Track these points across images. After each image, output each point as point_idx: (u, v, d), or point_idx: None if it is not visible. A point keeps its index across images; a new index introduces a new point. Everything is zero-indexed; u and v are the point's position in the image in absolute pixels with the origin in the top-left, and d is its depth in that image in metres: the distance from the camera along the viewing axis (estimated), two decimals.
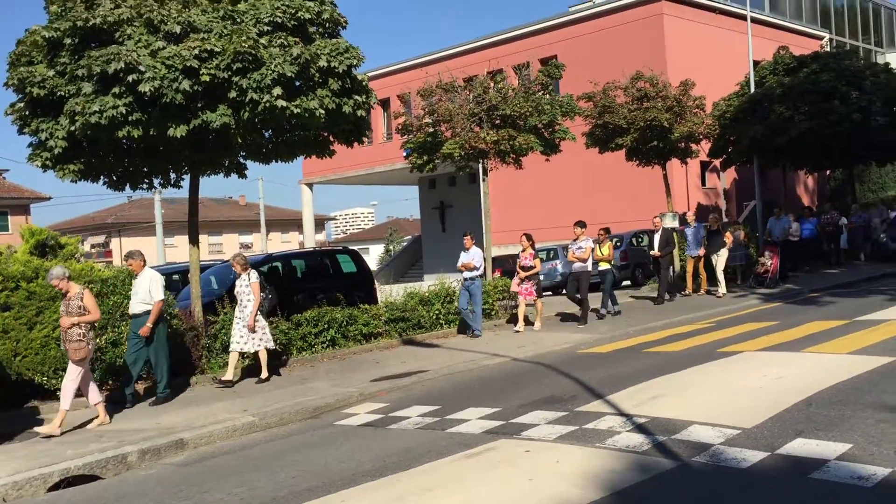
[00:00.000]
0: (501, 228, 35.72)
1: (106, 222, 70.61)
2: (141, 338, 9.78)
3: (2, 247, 10.78)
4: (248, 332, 10.77)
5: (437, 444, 7.24)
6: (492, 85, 16.53)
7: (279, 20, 10.55)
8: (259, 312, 10.84)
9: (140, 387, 10.52)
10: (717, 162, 29.59)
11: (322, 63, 10.51)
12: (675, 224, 20.00)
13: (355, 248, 18.14)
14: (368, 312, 13.80)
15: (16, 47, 10.75)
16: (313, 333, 12.93)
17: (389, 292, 15.44)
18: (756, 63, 26.03)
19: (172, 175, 12.52)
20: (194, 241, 12.18)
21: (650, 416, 7.31)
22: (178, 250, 59.63)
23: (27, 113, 10.54)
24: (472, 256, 14.24)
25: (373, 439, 7.83)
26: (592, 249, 15.05)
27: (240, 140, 10.87)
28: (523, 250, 14.95)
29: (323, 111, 10.59)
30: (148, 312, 9.80)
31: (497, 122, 16.08)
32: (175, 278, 13.47)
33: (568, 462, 6.24)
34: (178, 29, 9.99)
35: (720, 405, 7.49)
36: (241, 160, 12.77)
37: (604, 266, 15.70)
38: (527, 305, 14.82)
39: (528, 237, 14.99)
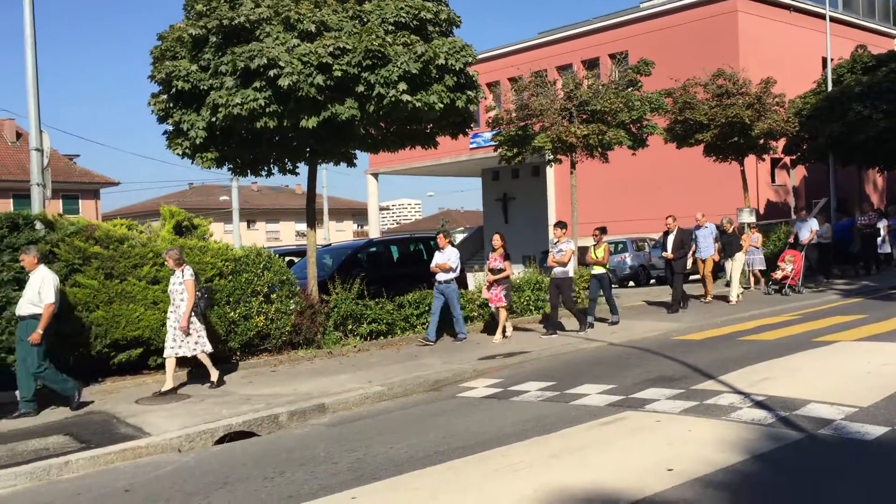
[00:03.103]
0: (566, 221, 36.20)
1: (169, 207, 72.47)
2: (29, 343, 8.81)
3: (143, 226, 11.70)
4: (182, 335, 9.73)
5: (566, 414, 7.91)
6: (585, 82, 17.09)
7: (402, 20, 11.29)
8: (194, 314, 9.81)
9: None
10: (787, 159, 29.72)
11: (441, 61, 11.21)
12: (753, 219, 20.35)
13: (388, 237, 18.68)
14: (464, 297, 14.50)
15: (159, 43, 11.68)
16: (415, 315, 13.69)
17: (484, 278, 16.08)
18: (828, 61, 26.14)
19: (288, 163, 13.39)
20: (311, 225, 13.03)
21: (767, 394, 7.88)
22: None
23: (170, 105, 11.45)
24: (447, 257, 12.91)
25: (501, 409, 8.51)
26: (574, 252, 13.65)
27: (362, 131, 11.64)
28: (494, 250, 13.27)
29: (441, 105, 11.30)
30: (34, 316, 8.81)
31: (585, 116, 16.64)
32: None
33: (700, 431, 6.85)
34: (312, 27, 10.78)
35: (832, 387, 8.02)
36: (351, 150, 13.57)
37: (598, 270, 14.19)
38: (496, 310, 13.29)
39: (501, 236, 13.37)
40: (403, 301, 13.74)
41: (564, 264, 13.25)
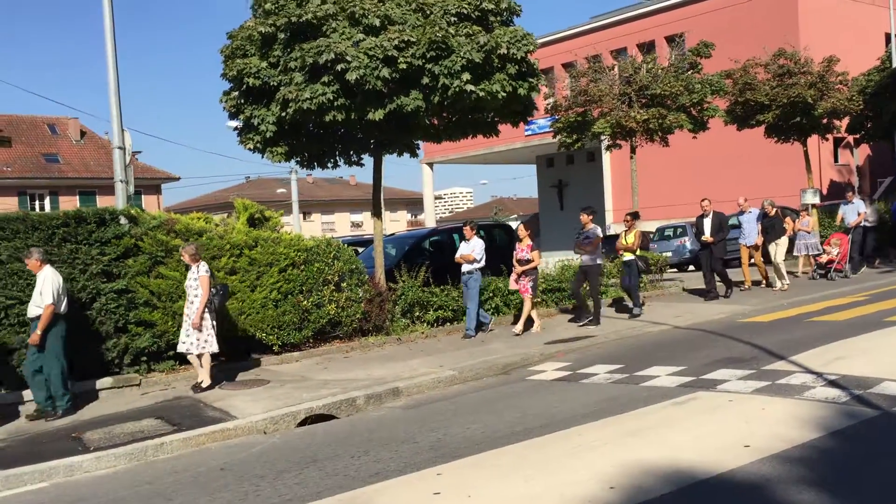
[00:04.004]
0: (623, 207, 36.06)
1: (227, 201, 74.03)
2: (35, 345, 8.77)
3: (217, 219, 12.12)
4: (194, 331, 9.58)
5: (638, 395, 8.05)
6: (644, 66, 17.06)
7: (464, 11, 11.49)
8: (207, 311, 9.61)
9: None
10: (850, 138, 29.11)
11: (503, 50, 11.37)
12: (817, 200, 20.06)
13: (451, 225, 18.97)
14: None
15: (229, 42, 12.07)
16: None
17: (545, 264, 16.25)
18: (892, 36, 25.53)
19: (353, 155, 13.72)
20: (378, 215, 13.34)
21: (839, 373, 7.91)
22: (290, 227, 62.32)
23: (241, 101, 11.84)
24: (472, 247, 12.62)
25: (573, 391, 8.69)
26: (602, 239, 13.18)
27: (427, 122, 11.87)
28: (520, 240, 12.91)
29: (504, 94, 11.47)
30: (38, 317, 8.77)
31: (645, 101, 16.62)
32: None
33: (774, 410, 6.94)
34: (377, 22, 11.03)
35: None
36: (414, 140, 13.81)
37: (628, 257, 13.72)
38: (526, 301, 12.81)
39: (526, 226, 13.10)
40: None
41: (592, 252, 12.92)
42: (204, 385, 9.72)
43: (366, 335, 12.41)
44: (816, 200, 20.09)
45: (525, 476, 5.69)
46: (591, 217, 13.18)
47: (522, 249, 12.73)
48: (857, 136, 26.76)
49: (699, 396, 7.72)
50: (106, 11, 10.78)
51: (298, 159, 13.27)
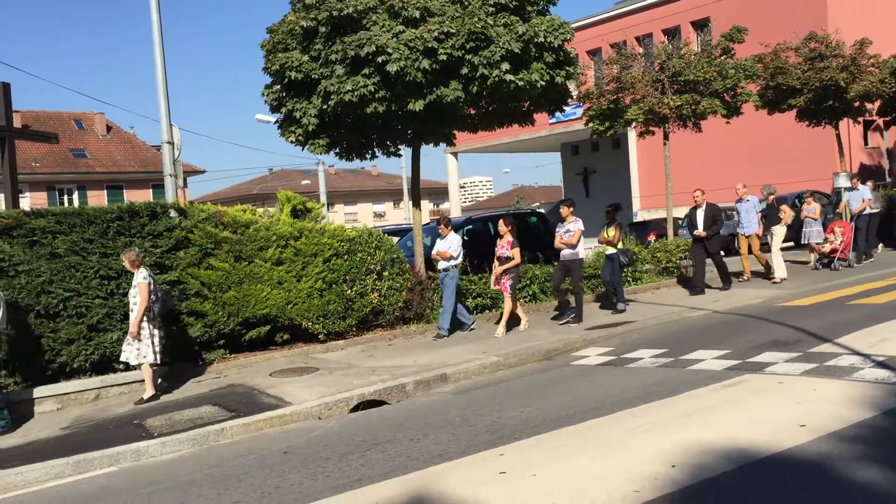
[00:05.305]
0: (651, 193, 36.02)
1: (251, 193, 74.75)
2: None
3: (261, 210, 12.35)
4: (133, 340, 9.20)
5: (687, 378, 8.17)
6: (680, 51, 17.08)
7: (502, 1, 11.60)
8: (147, 319, 9.23)
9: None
10: (880, 120, 28.86)
11: (540, 39, 11.47)
12: (849, 184, 19.93)
13: (486, 214, 19.10)
14: None
15: (270, 37, 12.25)
16: (518, 289, 14.01)
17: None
18: None
19: (391, 146, 13.89)
20: (417, 205, 13.51)
21: (887, 354, 8.01)
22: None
23: (283, 95, 12.03)
24: (448, 244, 12.07)
25: (620, 375, 8.82)
26: (583, 232, 12.60)
27: (465, 112, 12.01)
28: (501, 237, 12.22)
29: (543, 83, 11.58)
30: None
31: (678, 87, 16.65)
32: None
33: (825, 391, 7.05)
34: (416, 14, 11.16)
35: None
36: (452, 130, 13.95)
37: (610, 250, 13.29)
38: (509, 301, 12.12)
39: (507, 222, 12.33)
40: None
41: (574, 246, 12.45)
42: (146, 396, 9.31)
43: (407, 323, 12.60)
44: (848, 184, 19.95)
45: (589, 456, 5.85)
46: (571, 209, 12.76)
47: (503, 246, 12.08)
48: (888, 118, 26.54)
49: (748, 379, 7.84)
50: (154, 14, 11.01)
51: (338, 150, 13.44)
